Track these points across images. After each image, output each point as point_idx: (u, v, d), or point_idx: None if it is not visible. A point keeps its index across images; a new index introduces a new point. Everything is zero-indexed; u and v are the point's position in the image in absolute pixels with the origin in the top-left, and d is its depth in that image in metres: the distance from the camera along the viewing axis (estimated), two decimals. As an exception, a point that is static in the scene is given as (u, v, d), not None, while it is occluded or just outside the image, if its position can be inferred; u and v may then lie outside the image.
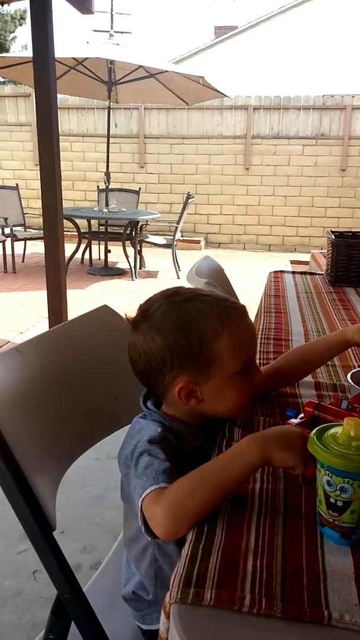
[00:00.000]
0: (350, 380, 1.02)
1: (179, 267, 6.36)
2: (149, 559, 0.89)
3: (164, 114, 8.32)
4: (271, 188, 8.25)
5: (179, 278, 6.14)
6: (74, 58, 5.89)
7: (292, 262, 7.35)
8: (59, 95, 8.04)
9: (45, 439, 0.93)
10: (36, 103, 3.36)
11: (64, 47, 5.48)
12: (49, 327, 3.68)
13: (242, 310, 0.89)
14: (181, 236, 7.83)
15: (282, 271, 2.25)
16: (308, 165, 8.10)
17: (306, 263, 6.87)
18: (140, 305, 0.89)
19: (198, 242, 8.23)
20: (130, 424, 0.92)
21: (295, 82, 11.62)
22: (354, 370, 1.06)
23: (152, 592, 0.91)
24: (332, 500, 0.63)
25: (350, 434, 0.62)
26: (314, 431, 0.66)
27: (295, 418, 0.85)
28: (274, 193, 8.27)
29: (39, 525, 0.80)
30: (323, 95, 8.01)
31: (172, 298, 0.87)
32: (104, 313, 1.25)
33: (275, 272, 2.24)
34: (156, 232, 7.71)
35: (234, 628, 0.54)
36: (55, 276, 3.57)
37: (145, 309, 0.87)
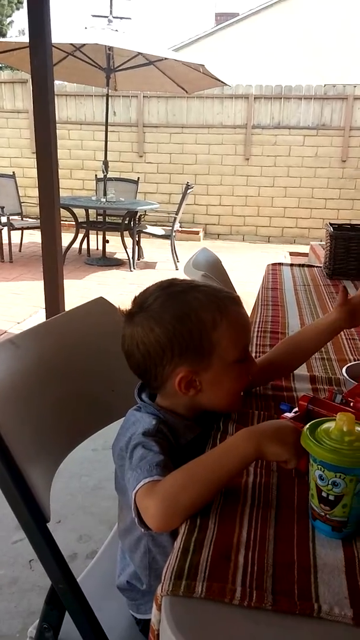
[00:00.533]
0: (345, 374, 1.03)
1: (177, 258, 6.35)
2: (143, 550, 0.90)
3: (163, 102, 8.26)
4: (271, 179, 8.22)
5: (177, 269, 6.13)
6: (71, 44, 5.83)
7: (291, 253, 7.34)
8: (56, 82, 8.01)
9: (39, 431, 0.93)
10: (32, 90, 3.33)
11: (61, 32, 5.41)
12: (46, 318, 3.68)
13: (237, 299, 0.90)
14: (180, 227, 7.80)
15: (280, 264, 2.24)
16: (308, 156, 8.05)
17: (305, 255, 6.86)
18: (135, 297, 0.89)
19: (197, 232, 8.20)
20: (125, 416, 0.92)
21: (297, 71, 11.54)
22: (349, 364, 1.07)
23: (146, 582, 0.92)
24: (324, 494, 0.64)
25: (343, 429, 0.63)
26: (307, 426, 0.66)
27: (290, 412, 0.85)
28: (273, 184, 8.23)
29: (33, 516, 0.80)
30: (324, 85, 7.95)
31: (169, 289, 0.87)
32: (100, 305, 1.25)
33: (273, 264, 2.23)
34: (155, 222, 7.68)
35: (224, 620, 0.55)
36: (52, 266, 3.56)
37: (142, 301, 0.87)
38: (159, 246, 7.02)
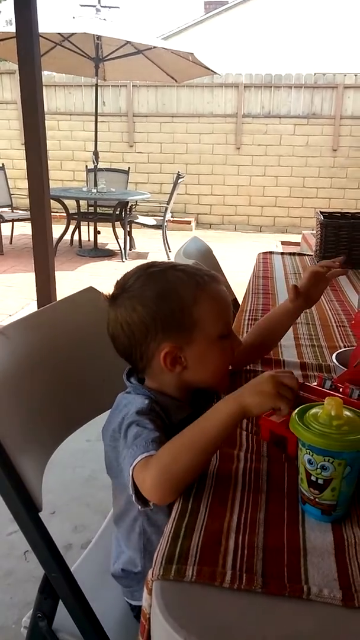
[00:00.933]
0: (335, 361, 1.03)
1: (169, 248, 6.33)
2: (138, 531, 0.91)
3: (153, 91, 8.19)
4: (262, 168, 8.19)
5: (169, 259, 6.11)
6: (59, 34, 5.77)
7: (283, 243, 7.33)
8: (45, 73, 7.91)
9: (31, 421, 0.93)
10: (20, 80, 3.29)
11: (49, 22, 5.36)
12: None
13: (216, 277, 0.93)
14: (172, 217, 7.77)
15: (271, 252, 2.24)
16: (299, 145, 8.03)
17: (297, 244, 6.86)
18: (117, 281, 0.91)
19: (189, 222, 8.17)
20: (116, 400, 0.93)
21: (287, 60, 11.46)
22: (339, 351, 1.07)
23: (141, 564, 0.92)
24: (313, 478, 0.64)
25: (331, 414, 0.63)
26: (296, 411, 0.67)
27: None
28: (265, 173, 8.20)
29: (24, 506, 0.80)
30: (315, 74, 7.91)
31: (149, 270, 0.90)
32: (90, 294, 1.24)
33: (264, 253, 2.23)
34: (146, 212, 7.65)
35: (215, 604, 0.55)
36: (43, 258, 3.54)
37: (124, 283, 0.90)
38: (150, 236, 6.99)
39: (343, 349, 1.09)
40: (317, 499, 0.65)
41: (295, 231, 7.92)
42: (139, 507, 0.75)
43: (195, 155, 8.26)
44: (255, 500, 0.70)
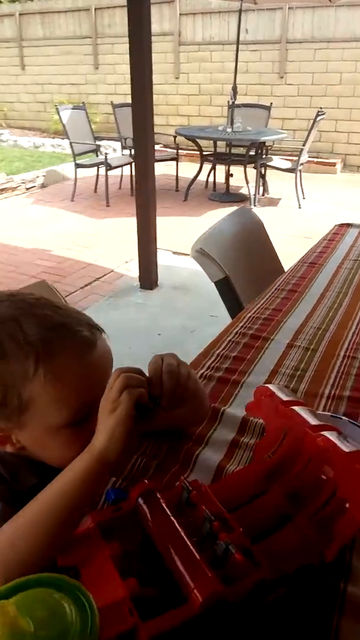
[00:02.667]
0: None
1: (303, 195, 5.80)
2: None
3: (309, 13, 7.22)
4: None
5: (300, 207, 5.60)
6: None
7: None
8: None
9: None
10: (128, 13, 3.07)
11: None
12: (139, 259, 3.60)
13: (82, 342, 0.65)
14: (316, 157, 7.04)
15: (349, 224, 1.81)
16: None
17: None
18: None
19: (334, 164, 7.31)
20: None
21: None
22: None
23: None
24: None
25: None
26: None
27: (116, 504, 0.59)
28: None
29: None
30: None
31: None
32: (41, 290, 1.08)
33: (340, 225, 1.81)
34: (290, 152, 7.02)
35: None
36: (144, 205, 3.45)
37: None
38: (288, 180, 6.40)
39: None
40: None
41: None
42: None
43: (349, 86, 7.23)
44: None
